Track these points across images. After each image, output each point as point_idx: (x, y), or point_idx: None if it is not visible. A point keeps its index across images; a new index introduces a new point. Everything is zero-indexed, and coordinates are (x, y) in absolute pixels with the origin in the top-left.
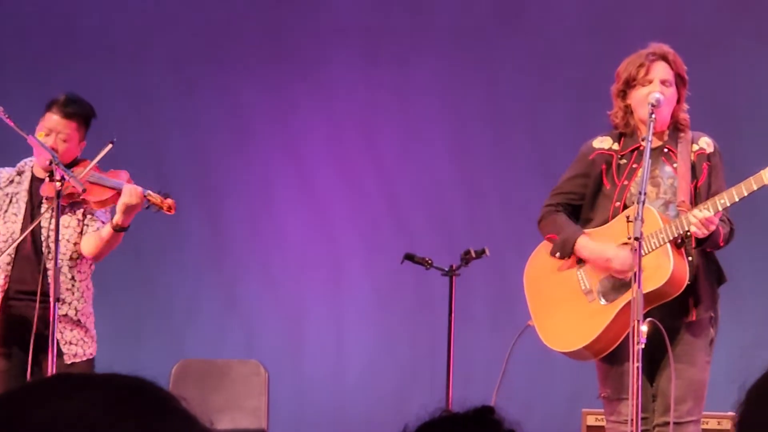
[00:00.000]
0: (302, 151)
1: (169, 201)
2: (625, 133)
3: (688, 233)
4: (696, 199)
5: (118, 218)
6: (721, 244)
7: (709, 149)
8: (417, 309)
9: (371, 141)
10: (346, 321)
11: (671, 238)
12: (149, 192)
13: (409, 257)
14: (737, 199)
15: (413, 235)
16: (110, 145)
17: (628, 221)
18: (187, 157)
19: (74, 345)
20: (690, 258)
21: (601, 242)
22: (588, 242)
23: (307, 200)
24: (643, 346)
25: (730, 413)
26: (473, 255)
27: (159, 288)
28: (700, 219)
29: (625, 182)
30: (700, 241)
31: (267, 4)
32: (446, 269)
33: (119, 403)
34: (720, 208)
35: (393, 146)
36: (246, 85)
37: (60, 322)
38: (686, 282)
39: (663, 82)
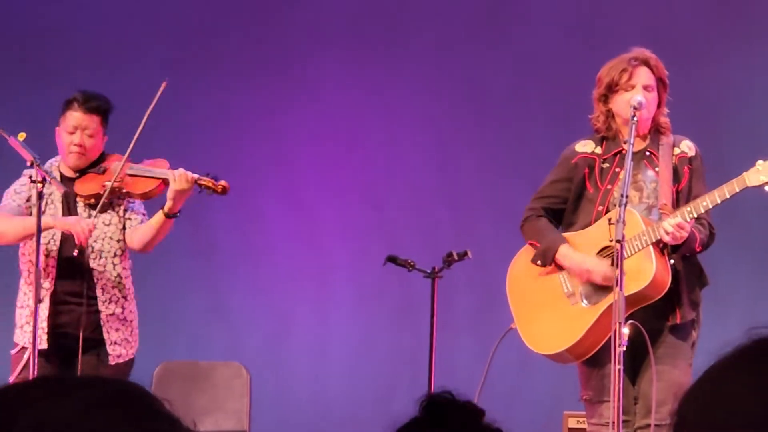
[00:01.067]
0: (287, 154)
1: (223, 182)
2: (607, 137)
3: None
4: (678, 203)
5: (169, 205)
6: (698, 249)
7: (691, 153)
8: (399, 311)
9: (356, 144)
10: (329, 323)
11: (654, 240)
12: (200, 176)
13: (392, 259)
14: (719, 201)
15: (396, 237)
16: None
17: (609, 224)
18: (172, 160)
19: (119, 345)
20: (672, 261)
21: (582, 250)
22: (569, 252)
23: (292, 202)
24: (624, 348)
25: None
26: (455, 257)
27: (143, 290)
28: (672, 226)
29: (608, 186)
30: (675, 248)
31: (251, 7)
32: (428, 271)
33: (104, 407)
34: (702, 211)
35: (377, 149)
36: (232, 89)
37: (107, 321)
38: (668, 285)
39: (645, 87)
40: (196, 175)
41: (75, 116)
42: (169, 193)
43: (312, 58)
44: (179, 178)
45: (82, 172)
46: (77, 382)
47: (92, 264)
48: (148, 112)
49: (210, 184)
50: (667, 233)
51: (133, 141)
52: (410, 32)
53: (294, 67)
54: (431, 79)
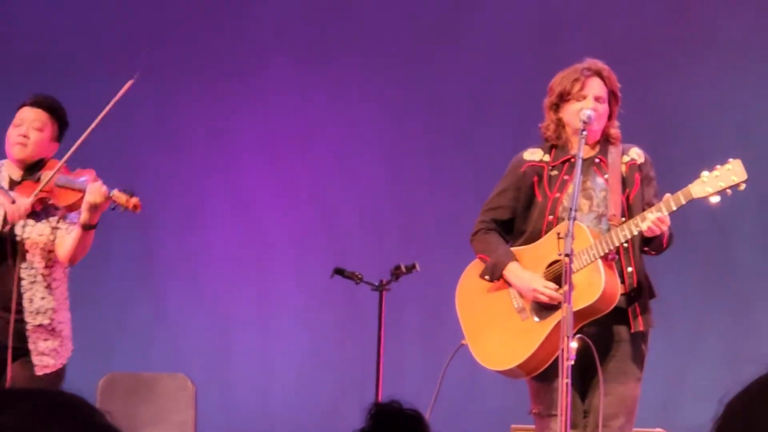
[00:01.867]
0: (234, 161)
1: (134, 200)
2: (557, 146)
3: (626, 244)
4: (629, 211)
5: (84, 217)
6: (665, 246)
7: (640, 160)
8: (347, 324)
9: (305, 153)
10: (275, 335)
11: (602, 254)
12: (115, 192)
13: (339, 271)
14: (665, 214)
15: (344, 249)
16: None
17: (558, 238)
18: (116, 165)
19: (46, 356)
20: (630, 269)
21: (530, 265)
22: (516, 270)
23: (238, 212)
24: (572, 362)
25: (658, 429)
26: (403, 270)
27: (86, 301)
28: (653, 219)
29: (557, 194)
30: (647, 241)
31: (203, 11)
32: (376, 284)
33: (45, 419)
34: (649, 225)
35: (327, 159)
36: (179, 92)
37: (34, 332)
38: (618, 297)
39: (597, 99)
40: (112, 191)
41: (22, 110)
42: (84, 205)
43: (262, 63)
44: (94, 191)
45: (21, 179)
46: (20, 394)
47: (22, 274)
48: (105, 110)
49: (122, 201)
50: (650, 224)
51: (72, 149)
52: (363, 41)
53: (243, 72)
54: (382, 89)
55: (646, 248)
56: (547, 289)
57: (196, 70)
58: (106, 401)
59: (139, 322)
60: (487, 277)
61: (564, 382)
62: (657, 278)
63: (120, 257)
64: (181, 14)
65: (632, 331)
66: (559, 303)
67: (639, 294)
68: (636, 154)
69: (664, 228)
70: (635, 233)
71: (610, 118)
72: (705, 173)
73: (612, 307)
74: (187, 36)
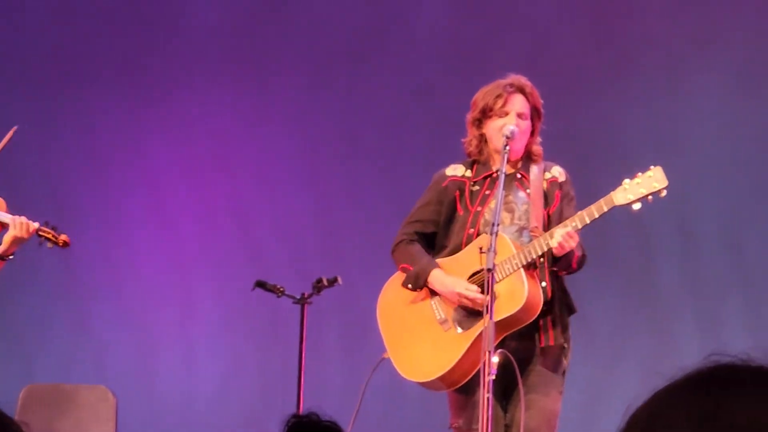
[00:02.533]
0: (155, 175)
1: (64, 237)
2: (479, 161)
3: (541, 257)
4: (548, 226)
5: (4, 248)
6: (574, 267)
7: (561, 178)
8: (268, 337)
9: (225, 166)
10: (197, 348)
11: (525, 263)
12: (40, 227)
13: (261, 284)
14: (588, 221)
15: (266, 262)
16: None
17: (481, 252)
18: (38, 180)
19: None
20: (544, 284)
21: (453, 275)
22: (440, 276)
23: (159, 225)
24: (494, 377)
25: None
26: (325, 283)
27: (7, 311)
28: (563, 235)
29: (479, 208)
30: (555, 260)
31: (123, 28)
32: (298, 297)
33: None
34: (558, 239)
35: (247, 172)
36: (98, 108)
37: None
38: (541, 307)
39: (519, 115)
40: (36, 225)
41: None
42: (6, 237)
43: (181, 80)
44: (20, 226)
45: None
46: None
47: None
48: None
49: (51, 236)
50: (557, 242)
51: None
52: (283, 58)
53: (162, 89)
54: (303, 104)
55: (554, 267)
56: (471, 292)
57: (116, 87)
58: (26, 413)
59: (61, 334)
60: (410, 285)
61: (485, 396)
62: (578, 293)
63: (43, 270)
64: (101, 31)
65: (542, 345)
66: (481, 313)
67: (552, 309)
68: (557, 171)
69: (573, 244)
70: (545, 249)
71: (532, 134)
72: (626, 181)
73: (534, 317)
74: (106, 53)
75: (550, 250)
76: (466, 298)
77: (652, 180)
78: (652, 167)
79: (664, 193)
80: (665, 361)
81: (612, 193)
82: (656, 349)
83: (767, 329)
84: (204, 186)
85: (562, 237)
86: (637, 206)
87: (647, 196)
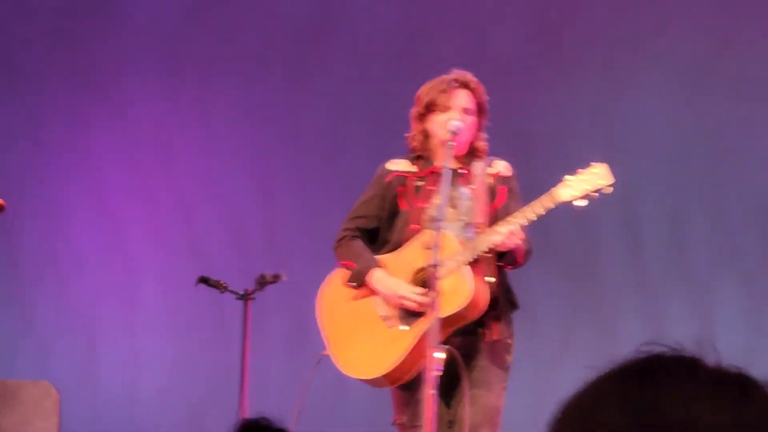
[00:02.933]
0: (97, 169)
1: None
2: (422, 156)
3: (488, 253)
4: (494, 221)
5: None
6: (520, 262)
7: (507, 173)
8: (212, 333)
9: (169, 161)
10: (140, 343)
11: (469, 260)
12: None
13: (204, 280)
14: (533, 218)
15: (209, 257)
16: None
17: (425, 248)
18: None
19: None
20: (493, 279)
21: (397, 273)
22: (382, 277)
23: (102, 218)
24: (439, 373)
25: None
26: (269, 279)
27: None
28: (505, 232)
29: (422, 204)
30: (501, 255)
31: (64, 18)
32: (241, 293)
33: None
34: (501, 238)
35: (191, 167)
36: (41, 101)
37: None
38: (486, 303)
39: (464, 111)
40: None
41: None
42: None
43: (123, 70)
44: None
45: None
46: None
47: None
48: None
49: None
50: (501, 237)
51: None
52: (226, 49)
53: (105, 78)
54: (246, 96)
55: (500, 263)
56: (414, 295)
57: (59, 77)
58: None
59: (2, 329)
60: (354, 283)
61: (429, 393)
62: (522, 288)
63: None
64: (43, 22)
65: (486, 340)
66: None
67: (496, 304)
68: (502, 166)
69: (517, 241)
70: (490, 245)
71: (477, 130)
72: (569, 177)
73: (480, 314)
74: (48, 44)
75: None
76: (409, 300)
77: (596, 177)
78: (596, 163)
79: (609, 189)
80: (610, 354)
81: (555, 189)
82: (601, 344)
83: (708, 323)
84: (147, 180)
85: (505, 235)
86: (580, 203)
87: (591, 192)
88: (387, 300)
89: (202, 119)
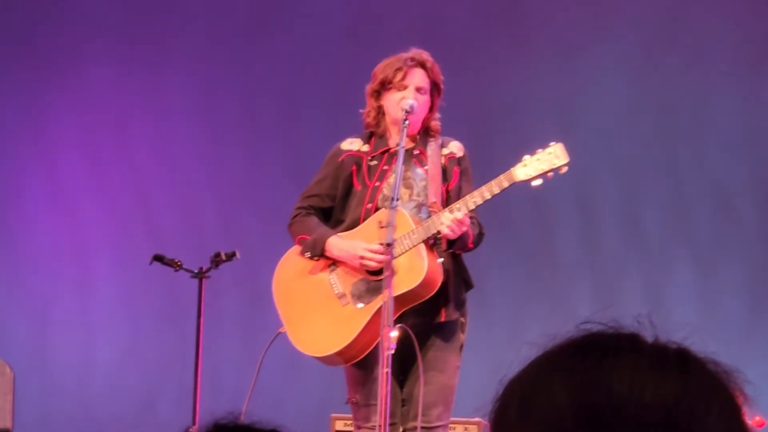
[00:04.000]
0: (52, 149)
1: None
2: (376, 134)
3: (439, 235)
4: (447, 202)
5: None
6: (470, 246)
7: (460, 153)
8: (166, 311)
9: (123, 140)
10: (94, 322)
11: (424, 238)
12: None
13: (158, 258)
14: (489, 197)
15: (164, 235)
16: None
17: (380, 227)
18: None
19: None
20: (441, 259)
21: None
22: (338, 241)
23: (56, 197)
24: (393, 352)
25: (476, 419)
26: (223, 257)
27: None
28: (451, 220)
29: (377, 183)
30: (450, 243)
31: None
32: (195, 271)
33: None
34: (472, 207)
35: (145, 146)
36: None
37: None
38: (440, 282)
39: (418, 89)
40: None
41: None
42: None
43: (77, 55)
44: None
45: None
46: None
47: None
48: None
49: None
50: (447, 227)
51: None
52: (180, 32)
53: (59, 65)
54: (202, 76)
55: (450, 249)
56: (373, 254)
57: (12, 62)
58: None
59: None
60: (308, 253)
61: (384, 371)
62: (476, 267)
63: None
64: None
65: (443, 320)
66: (380, 287)
67: (449, 284)
68: (456, 147)
69: (462, 229)
70: (460, 217)
71: (431, 110)
72: (526, 157)
73: (434, 292)
74: (1, 23)
75: None
76: (368, 259)
77: (552, 156)
78: (552, 143)
79: (564, 169)
80: (565, 332)
81: (512, 168)
82: (555, 322)
83: (662, 299)
84: (101, 160)
85: (451, 223)
86: (537, 182)
87: (548, 172)
88: (344, 270)
89: (157, 99)
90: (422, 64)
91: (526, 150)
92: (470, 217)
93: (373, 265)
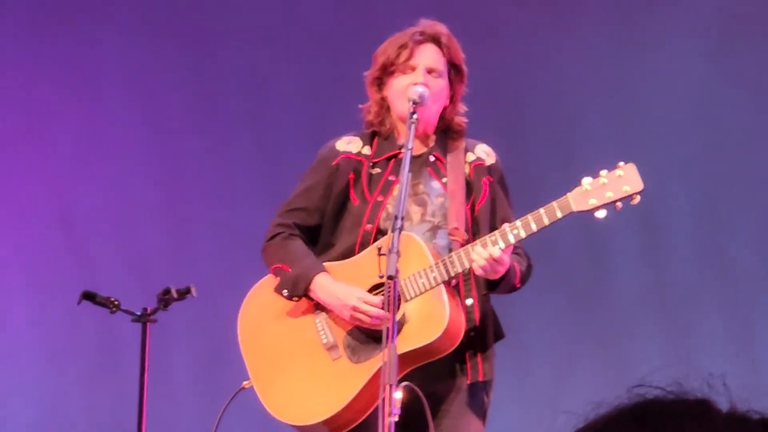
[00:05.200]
0: None
1: None
2: (380, 134)
3: (467, 272)
4: (474, 225)
5: None
6: (518, 286)
7: (490, 160)
8: (100, 364)
9: (44, 147)
10: (11, 375)
11: (446, 279)
12: None
13: (89, 296)
14: (535, 229)
15: (96, 267)
16: None
17: (380, 254)
18: None
19: None
20: (470, 301)
21: (347, 282)
22: (327, 284)
23: None
24: (396, 419)
25: None
26: (174, 295)
27: None
28: (486, 258)
29: (379, 198)
30: (492, 284)
31: None
32: (138, 313)
33: None
34: (513, 241)
35: (71, 154)
36: None
37: None
38: (462, 335)
39: (430, 72)
40: None
41: None
42: None
43: None
44: None
45: None
46: None
47: None
48: None
49: None
50: (480, 267)
51: None
52: (116, 12)
53: None
54: (143, 68)
55: (493, 292)
56: (370, 307)
57: None
58: None
59: None
60: (285, 292)
61: None
62: (507, 309)
63: None
64: None
65: (469, 381)
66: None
67: (480, 335)
68: (484, 152)
69: (499, 270)
70: (466, 266)
71: (452, 101)
72: (587, 180)
73: (455, 347)
74: None
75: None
76: (362, 312)
77: (622, 182)
78: (621, 164)
79: (637, 199)
80: (615, 398)
81: (569, 194)
82: (607, 382)
83: (746, 353)
84: (19, 171)
85: (485, 262)
86: (601, 214)
87: (616, 201)
88: (335, 314)
89: (86, 98)
90: (435, 39)
91: (572, 158)
92: (516, 247)
93: (366, 321)
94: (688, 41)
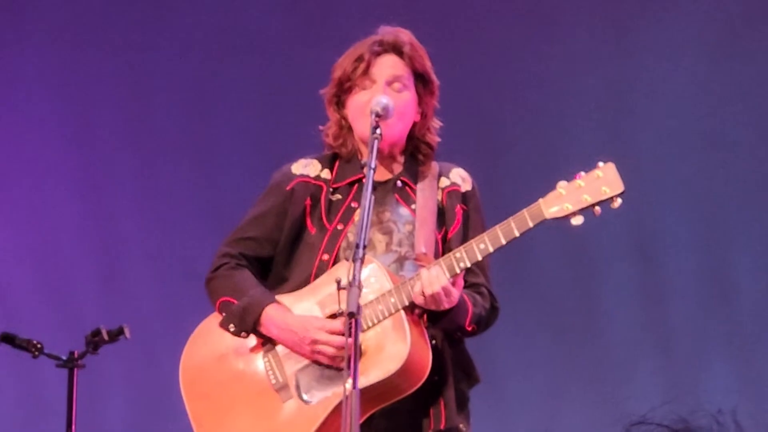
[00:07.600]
0: None
1: None
2: (341, 156)
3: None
4: (444, 253)
5: None
6: (469, 329)
7: (466, 186)
8: (21, 414)
9: None
10: None
11: (406, 303)
12: None
13: (8, 339)
14: (504, 243)
15: (16, 307)
16: None
17: (339, 288)
18: None
19: None
20: (433, 341)
21: (302, 313)
22: (281, 315)
23: None
24: None
25: None
26: (105, 337)
27: None
28: (426, 279)
29: (339, 226)
30: (433, 317)
31: None
32: (64, 358)
33: None
34: (479, 257)
35: None
36: None
37: None
38: (428, 369)
39: (390, 83)
40: None
41: None
42: None
43: None
44: None
45: None
46: None
47: None
48: None
49: None
50: (421, 293)
51: None
52: (41, 18)
53: None
54: (71, 75)
55: (436, 327)
56: (333, 336)
57: None
58: None
59: None
60: (232, 327)
61: None
62: (486, 346)
63: None
64: None
65: (432, 428)
66: (339, 377)
67: (444, 375)
68: (460, 177)
69: (450, 298)
70: (458, 272)
71: (423, 116)
72: (562, 183)
73: (420, 384)
74: None
75: None
76: (325, 343)
77: (600, 183)
78: (600, 164)
79: (618, 202)
80: None
81: (541, 200)
82: (599, 424)
83: (757, 387)
84: None
85: (431, 290)
86: (578, 220)
87: (594, 205)
88: (285, 352)
89: (4, 110)
90: (395, 48)
91: (559, 172)
92: (478, 286)
93: (329, 353)
94: (687, 45)
